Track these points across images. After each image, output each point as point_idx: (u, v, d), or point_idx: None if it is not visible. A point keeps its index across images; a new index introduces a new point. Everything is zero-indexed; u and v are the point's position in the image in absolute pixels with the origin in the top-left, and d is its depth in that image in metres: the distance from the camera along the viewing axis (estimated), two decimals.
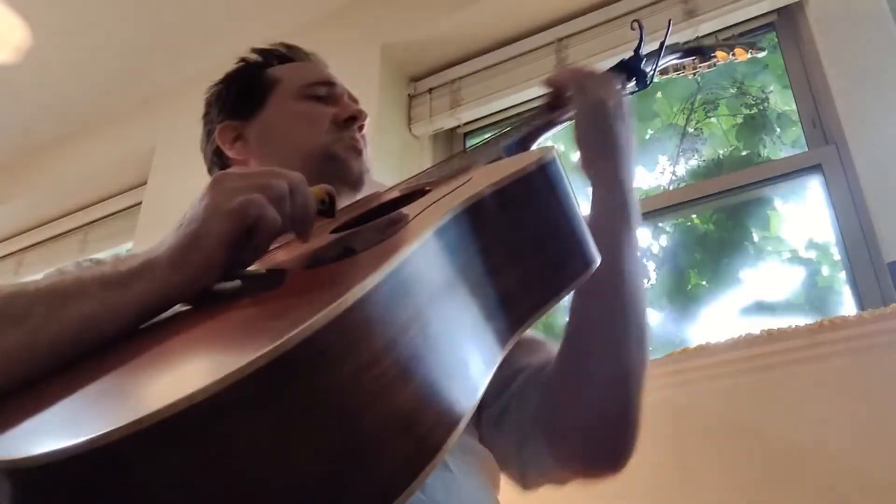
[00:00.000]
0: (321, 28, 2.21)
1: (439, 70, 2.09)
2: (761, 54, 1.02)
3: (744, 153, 1.80)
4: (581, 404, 0.69)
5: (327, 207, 0.55)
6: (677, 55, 0.97)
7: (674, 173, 1.87)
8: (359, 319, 0.31)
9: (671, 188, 1.81)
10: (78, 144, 2.66)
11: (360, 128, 0.89)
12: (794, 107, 1.61)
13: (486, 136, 0.80)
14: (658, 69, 0.91)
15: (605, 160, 0.73)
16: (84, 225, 2.68)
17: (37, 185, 2.71)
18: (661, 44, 0.90)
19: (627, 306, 0.69)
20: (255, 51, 0.95)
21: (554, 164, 0.47)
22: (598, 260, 0.48)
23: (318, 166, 0.82)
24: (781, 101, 1.76)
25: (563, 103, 0.78)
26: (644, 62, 0.88)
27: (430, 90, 2.07)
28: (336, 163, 0.84)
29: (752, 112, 1.81)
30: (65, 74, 2.44)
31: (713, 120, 1.88)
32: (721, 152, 1.84)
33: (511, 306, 0.43)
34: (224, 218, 0.46)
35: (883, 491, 1.02)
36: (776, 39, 1.71)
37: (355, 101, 0.92)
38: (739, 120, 1.83)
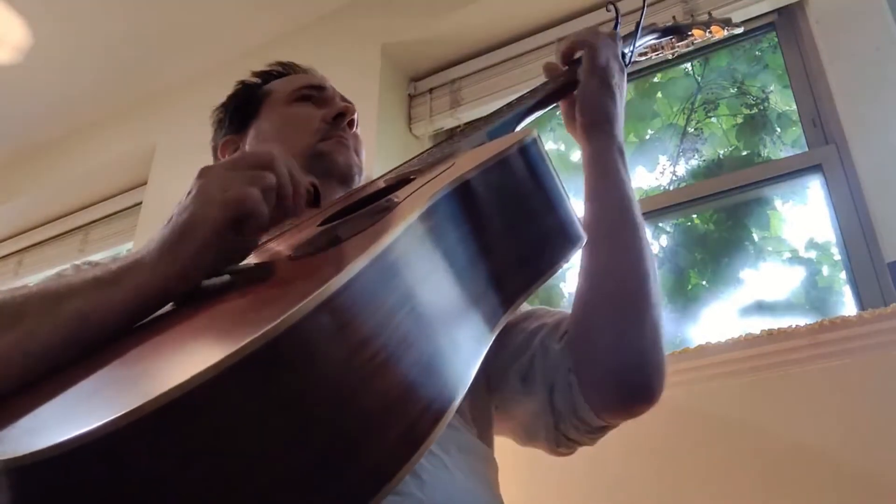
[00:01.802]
0: (321, 28, 2.21)
1: (439, 70, 2.09)
2: (738, 30, 1.03)
3: (744, 153, 1.80)
4: (605, 341, 0.70)
5: (312, 198, 0.56)
6: (654, 35, 0.98)
7: (674, 173, 1.87)
8: (344, 305, 0.31)
9: (671, 188, 1.81)
10: (78, 144, 2.66)
11: (351, 124, 0.91)
12: (794, 107, 1.61)
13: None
14: (636, 50, 0.92)
15: (606, 121, 0.79)
16: (84, 225, 2.68)
17: (37, 185, 2.71)
18: (637, 24, 0.91)
19: (641, 246, 0.72)
20: (253, 73, 1.00)
21: (535, 145, 0.48)
22: (583, 237, 0.49)
23: (306, 165, 0.83)
24: (781, 101, 1.76)
25: (571, 70, 0.83)
26: (621, 43, 0.89)
27: (431, 90, 2.07)
28: (323, 159, 0.85)
29: (752, 112, 1.81)
30: (65, 74, 2.44)
31: (713, 120, 1.88)
32: (721, 152, 1.84)
33: (499, 286, 0.43)
34: (218, 207, 0.47)
35: (883, 491, 1.02)
36: (776, 39, 1.71)
37: (347, 101, 0.94)
38: (739, 120, 1.84)
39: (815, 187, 1.54)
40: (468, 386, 0.36)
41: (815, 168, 1.50)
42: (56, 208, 2.74)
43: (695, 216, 1.82)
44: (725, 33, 0.99)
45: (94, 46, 2.35)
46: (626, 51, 0.89)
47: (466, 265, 0.41)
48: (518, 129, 0.76)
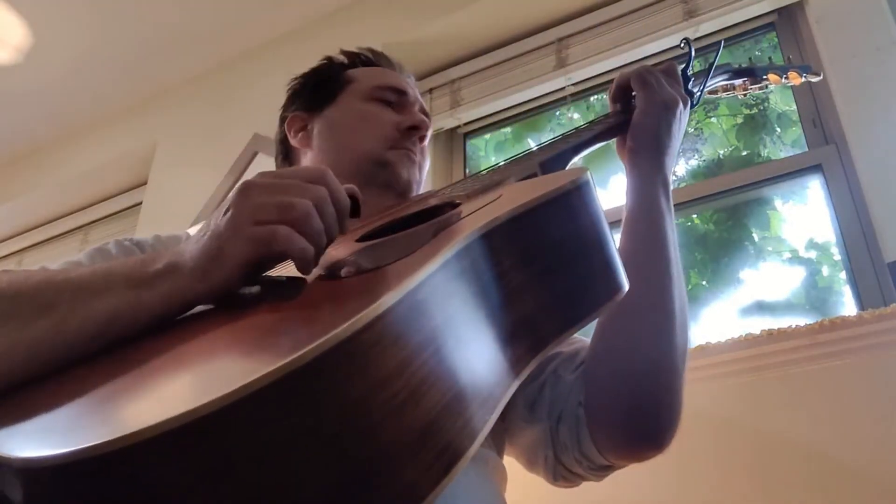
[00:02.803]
0: (322, 28, 2.21)
1: (439, 70, 2.09)
2: (815, 79, 1.00)
3: (744, 153, 1.80)
4: (620, 379, 0.67)
5: (351, 209, 0.55)
6: (727, 76, 0.95)
7: (674, 173, 1.87)
8: (374, 339, 0.30)
9: (671, 188, 1.81)
10: (78, 144, 2.66)
11: (422, 138, 0.88)
12: (794, 107, 1.61)
13: (524, 149, 0.79)
14: (707, 89, 0.89)
15: (655, 151, 0.76)
16: (84, 225, 2.69)
17: (37, 185, 2.71)
18: (711, 64, 0.89)
19: (670, 286, 0.69)
20: (342, 52, 0.97)
21: (587, 187, 0.46)
22: (626, 287, 0.46)
23: (369, 170, 0.82)
24: (781, 101, 1.76)
25: (627, 102, 0.80)
26: (692, 81, 0.86)
27: (431, 90, 2.07)
28: (386, 169, 0.83)
29: (752, 112, 1.81)
30: (65, 74, 2.44)
31: (713, 120, 1.88)
32: (721, 152, 1.84)
33: (532, 330, 0.41)
34: (246, 242, 0.46)
35: (883, 491, 1.02)
36: (776, 39, 1.71)
37: (426, 113, 0.92)
38: (739, 120, 1.83)
39: (815, 187, 1.54)
40: (489, 429, 0.35)
41: (815, 168, 1.50)
42: (56, 208, 2.74)
43: (695, 216, 1.82)
44: (802, 80, 0.98)
45: (95, 47, 2.35)
46: (696, 89, 0.87)
47: (499, 305, 0.40)
48: (571, 163, 0.73)
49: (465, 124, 2.05)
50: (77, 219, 2.70)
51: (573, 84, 1.90)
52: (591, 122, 0.81)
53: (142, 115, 2.53)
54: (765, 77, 0.96)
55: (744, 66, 0.98)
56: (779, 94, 1.77)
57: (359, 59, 0.96)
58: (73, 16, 2.24)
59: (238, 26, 2.23)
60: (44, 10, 2.22)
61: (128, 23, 2.27)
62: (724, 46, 1.47)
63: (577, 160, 0.74)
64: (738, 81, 0.96)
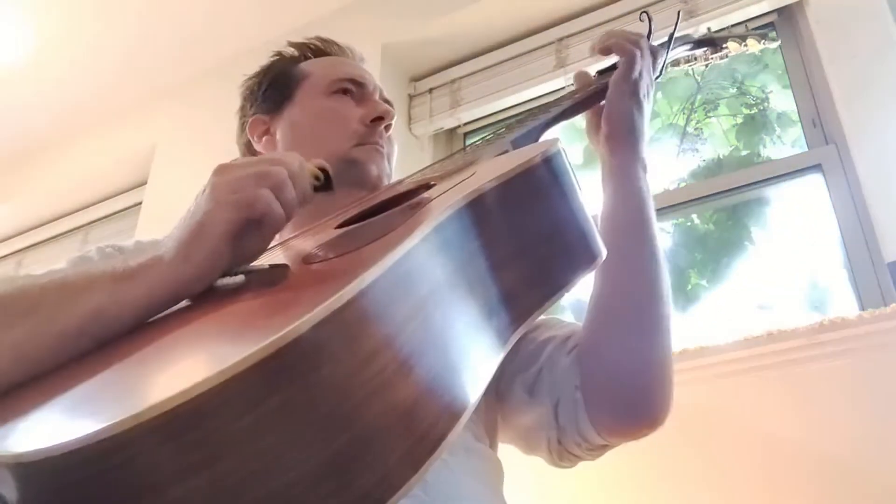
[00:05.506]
0: (321, 28, 2.20)
1: (439, 70, 2.09)
2: (773, 45, 1.01)
3: (744, 153, 1.80)
4: (613, 367, 0.70)
5: (323, 183, 0.55)
6: (688, 46, 0.96)
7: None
8: (357, 315, 0.31)
9: (671, 188, 1.81)
10: (78, 144, 2.66)
11: (387, 127, 0.87)
12: (794, 107, 1.61)
13: (488, 133, 0.80)
14: (669, 61, 0.90)
15: (633, 137, 0.78)
16: (84, 225, 2.69)
17: (37, 185, 2.71)
18: (671, 35, 0.89)
19: (658, 273, 0.72)
20: (290, 44, 0.95)
21: (559, 157, 0.46)
22: (603, 253, 0.48)
23: (338, 169, 0.79)
24: (781, 101, 1.76)
25: (601, 79, 0.81)
26: (659, 55, 0.86)
27: (430, 90, 2.07)
28: (355, 167, 0.82)
29: (752, 112, 1.81)
30: (65, 74, 2.44)
31: (713, 120, 1.88)
32: (721, 152, 1.84)
33: (514, 301, 0.42)
34: (228, 208, 0.46)
35: (883, 491, 1.02)
36: (776, 39, 1.71)
37: (386, 100, 0.90)
38: (739, 120, 1.83)
39: (815, 187, 1.55)
40: (478, 400, 0.36)
41: (815, 168, 1.50)
42: (56, 208, 2.74)
43: (695, 216, 1.82)
44: (762, 46, 0.98)
45: (94, 47, 2.35)
46: (658, 61, 0.87)
47: (481, 278, 0.40)
48: (542, 139, 0.74)
49: (465, 124, 2.05)
50: (77, 219, 2.70)
51: (573, 84, 1.90)
52: (559, 98, 0.82)
53: (142, 114, 2.53)
54: (724, 46, 0.97)
55: (703, 36, 0.98)
56: (779, 94, 1.77)
57: (308, 50, 0.93)
58: (75, 16, 2.24)
59: (237, 27, 2.23)
60: (45, 10, 2.22)
61: (127, 24, 2.27)
62: None
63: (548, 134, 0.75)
64: (698, 52, 0.97)
